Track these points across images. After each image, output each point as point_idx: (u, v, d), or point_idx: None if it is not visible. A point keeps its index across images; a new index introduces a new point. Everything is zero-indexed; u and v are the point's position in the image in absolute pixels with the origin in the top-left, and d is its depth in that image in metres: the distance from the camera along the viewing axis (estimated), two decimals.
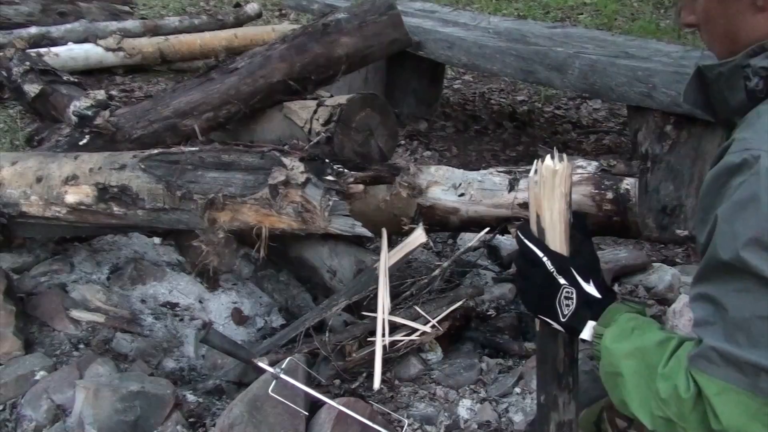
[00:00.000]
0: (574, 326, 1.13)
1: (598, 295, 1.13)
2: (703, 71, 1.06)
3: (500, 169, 2.28)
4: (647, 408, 1.00)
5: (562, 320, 1.13)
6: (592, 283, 1.13)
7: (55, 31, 4.99)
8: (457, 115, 4.55)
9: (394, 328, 1.99)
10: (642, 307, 1.16)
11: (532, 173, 1.18)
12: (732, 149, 0.94)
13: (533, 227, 1.18)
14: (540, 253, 1.14)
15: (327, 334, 1.99)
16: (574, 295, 1.12)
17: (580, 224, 1.22)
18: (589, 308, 1.12)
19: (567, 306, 1.12)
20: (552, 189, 1.15)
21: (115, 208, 2.26)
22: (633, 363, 1.03)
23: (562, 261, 1.14)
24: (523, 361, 2.02)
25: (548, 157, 1.17)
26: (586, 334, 1.12)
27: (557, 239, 1.16)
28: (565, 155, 1.18)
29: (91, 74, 4.73)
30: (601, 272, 1.18)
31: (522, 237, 1.17)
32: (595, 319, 1.11)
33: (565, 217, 1.17)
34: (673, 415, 0.97)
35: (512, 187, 2.16)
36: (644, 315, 1.13)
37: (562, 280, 1.12)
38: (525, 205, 2.13)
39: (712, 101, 1.08)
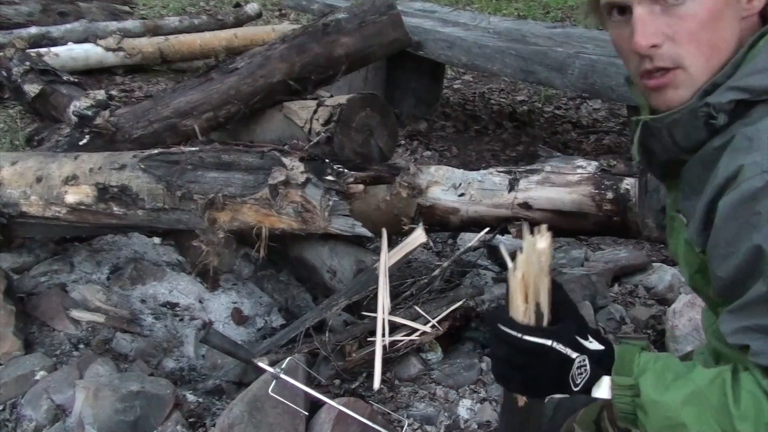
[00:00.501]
0: (587, 389, 1.05)
1: (601, 347, 1.05)
2: (650, 124, 1.04)
3: (500, 169, 2.28)
4: None
5: (576, 389, 1.03)
6: (592, 339, 1.05)
7: (55, 31, 4.99)
8: (457, 115, 4.55)
9: (394, 328, 1.99)
10: (645, 342, 1.10)
11: (510, 263, 1.03)
12: (746, 175, 0.91)
13: (519, 314, 1.04)
14: (547, 342, 1.02)
15: (327, 334, 1.99)
16: (587, 362, 1.03)
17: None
18: (600, 365, 1.04)
19: (581, 375, 1.03)
20: (540, 268, 1.02)
21: (115, 208, 2.26)
22: (694, 410, 0.95)
23: (567, 334, 1.03)
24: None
25: (527, 233, 1.04)
26: (603, 391, 1.04)
27: (548, 314, 1.04)
28: (545, 226, 1.04)
29: (91, 74, 4.73)
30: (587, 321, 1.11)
31: (509, 330, 1.01)
32: (608, 372, 1.04)
33: (550, 289, 1.05)
34: None
35: (512, 187, 2.16)
36: (648, 348, 1.06)
37: (574, 355, 1.02)
38: (525, 205, 2.13)
39: (653, 147, 1.07)
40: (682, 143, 1.02)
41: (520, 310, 1.03)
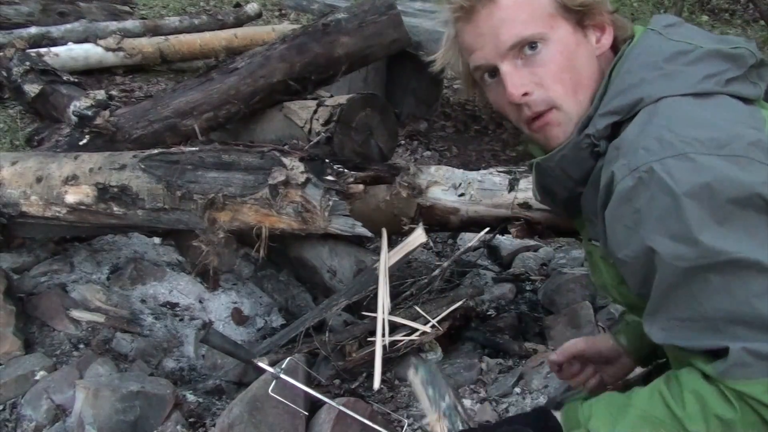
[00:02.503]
0: None
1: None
2: (543, 164, 1.15)
3: (500, 169, 2.28)
4: None
5: None
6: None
7: (55, 31, 4.98)
8: (457, 115, 4.55)
9: (394, 328, 1.99)
10: (584, 394, 1.21)
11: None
12: (618, 179, 0.98)
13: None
14: None
15: (327, 334, 1.99)
16: None
17: None
18: None
19: None
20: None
21: (115, 208, 2.26)
22: (651, 429, 1.00)
23: None
24: (523, 361, 2.02)
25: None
26: None
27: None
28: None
29: (91, 74, 4.72)
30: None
31: None
32: None
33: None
34: None
35: (512, 187, 2.16)
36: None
37: None
38: (525, 205, 2.13)
39: (551, 187, 1.18)
40: (575, 175, 1.12)
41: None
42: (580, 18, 1.10)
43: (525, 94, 1.09)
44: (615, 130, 1.06)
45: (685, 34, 1.10)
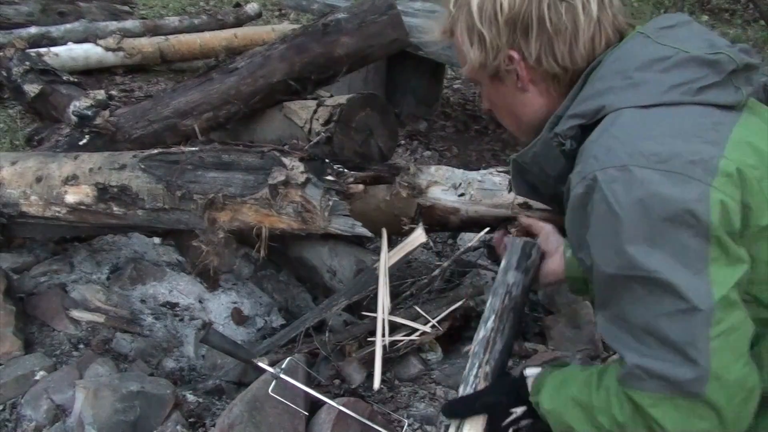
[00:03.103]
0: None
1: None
2: (517, 160, 1.22)
3: (500, 169, 2.28)
4: None
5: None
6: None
7: (55, 31, 4.98)
8: (457, 115, 4.55)
9: (394, 328, 1.99)
10: (567, 361, 1.26)
11: None
12: (572, 185, 1.05)
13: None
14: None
15: (327, 334, 1.99)
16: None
17: None
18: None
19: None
20: None
21: (115, 208, 2.26)
22: (575, 412, 1.10)
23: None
24: (523, 361, 2.02)
25: None
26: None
27: None
28: None
29: (91, 74, 4.72)
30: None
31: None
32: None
33: None
34: None
35: (512, 187, 2.16)
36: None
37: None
38: (525, 205, 2.13)
39: (536, 184, 1.24)
40: (551, 173, 1.18)
41: None
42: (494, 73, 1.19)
43: (489, 110, 1.28)
44: (584, 132, 1.10)
45: (679, 36, 1.11)
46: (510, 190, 2.16)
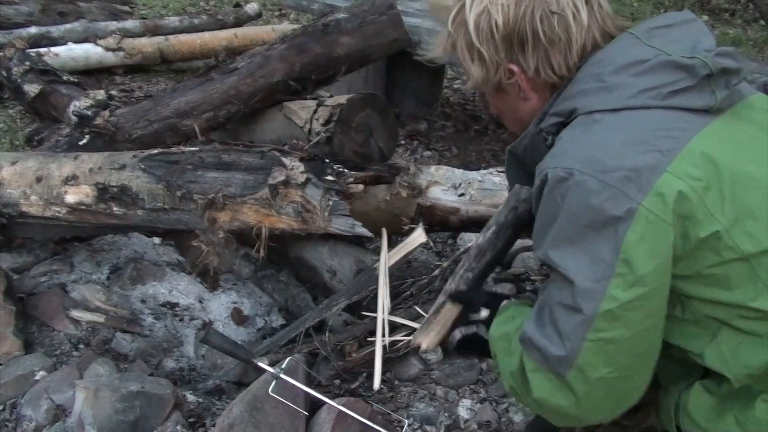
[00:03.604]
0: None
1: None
2: (513, 151, 1.30)
3: (500, 169, 2.28)
4: (507, 380, 1.20)
5: None
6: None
7: (55, 31, 4.98)
8: (457, 115, 4.55)
9: (394, 328, 1.99)
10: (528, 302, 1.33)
11: None
12: (536, 174, 1.14)
13: None
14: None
15: (327, 334, 1.99)
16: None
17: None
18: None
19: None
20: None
21: (115, 208, 2.26)
22: (502, 345, 1.23)
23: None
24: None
25: None
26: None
27: None
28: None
29: (91, 74, 4.72)
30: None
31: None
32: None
33: None
34: (515, 385, 1.17)
35: None
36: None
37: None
38: None
39: (532, 173, 1.27)
40: (539, 162, 1.22)
41: None
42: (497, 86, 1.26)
43: (497, 114, 1.35)
44: (565, 129, 1.17)
45: (670, 37, 1.14)
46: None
